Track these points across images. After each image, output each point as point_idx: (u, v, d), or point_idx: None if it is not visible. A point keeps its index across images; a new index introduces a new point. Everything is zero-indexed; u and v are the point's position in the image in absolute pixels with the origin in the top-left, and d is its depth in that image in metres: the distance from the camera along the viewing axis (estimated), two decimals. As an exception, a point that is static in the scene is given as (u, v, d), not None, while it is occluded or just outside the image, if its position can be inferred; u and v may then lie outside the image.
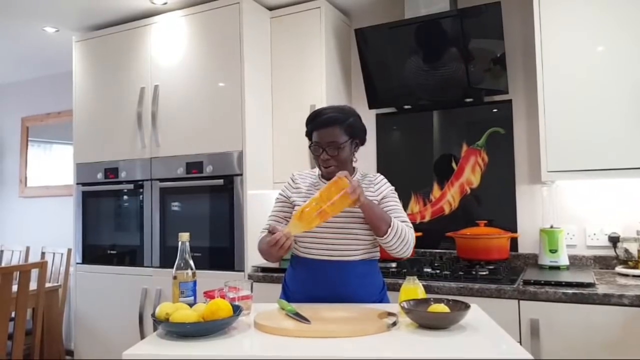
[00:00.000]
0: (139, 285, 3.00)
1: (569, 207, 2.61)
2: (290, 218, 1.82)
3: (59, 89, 4.39)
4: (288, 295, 1.84)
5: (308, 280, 1.79)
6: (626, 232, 2.46)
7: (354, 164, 1.91)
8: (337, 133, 1.77)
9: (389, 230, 1.68)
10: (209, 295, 1.59)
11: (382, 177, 1.91)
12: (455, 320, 1.37)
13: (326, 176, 1.84)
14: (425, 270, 2.41)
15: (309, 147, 1.86)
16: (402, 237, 1.71)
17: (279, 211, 1.90)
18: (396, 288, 2.16)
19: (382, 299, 1.85)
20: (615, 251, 2.46)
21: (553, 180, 2.41)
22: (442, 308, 1.39)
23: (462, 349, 1.20)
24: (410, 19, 2.71)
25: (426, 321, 1.37)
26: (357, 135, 1.84)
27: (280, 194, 1.93)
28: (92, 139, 3.28)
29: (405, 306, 1.43)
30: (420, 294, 1.57)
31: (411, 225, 1.81)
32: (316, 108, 2.76)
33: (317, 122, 1.80)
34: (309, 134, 1.85)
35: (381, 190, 1.85)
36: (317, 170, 1.92)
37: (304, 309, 1.52)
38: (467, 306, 1.41)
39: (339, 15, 3.10)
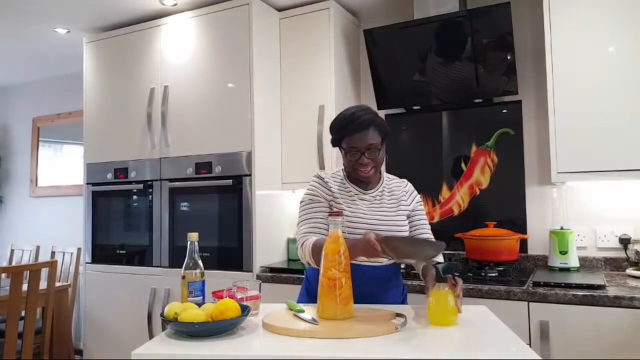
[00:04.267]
0: (147, 285, 3.01)
1: (579, 209, 2.59)
2: None
3: (69, 89, 4.43)
4: (310, 292, 1.80)
5: None
6: (637, 233, 2.44)
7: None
8: (373, 135, 1.70)
9: None
10: (217, 295, 1.59)
11: (409, 184, 1.93)
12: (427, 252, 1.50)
13: (361, 180, 1.78)
14: (434, 271, 2.40)
15: (345, 154, 1.74)
16: None
17: (321, 212, 1.76)
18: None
19: (404, 302, 1.86)
20: (626, 253, 2.44)
21: (563, 182, 2.39)
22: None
23: (471, 350, 1.20)
24: (419, 19, 2.70)
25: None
26: (386, 134, 1.76)
27: (313, 196, 1.79)
28: (102, 139, 3.30)
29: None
30: (451, 300, 1.44)
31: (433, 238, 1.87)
32: (326, 109, 2.80)
33: (354, 126, 1.69)
34: (338, 141, 1.75)
35: (412, 198, 1.88)
36: (340, 172, 1.85)
37: (312, 309, 1.51)
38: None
39: (347, 15, 3.09)
